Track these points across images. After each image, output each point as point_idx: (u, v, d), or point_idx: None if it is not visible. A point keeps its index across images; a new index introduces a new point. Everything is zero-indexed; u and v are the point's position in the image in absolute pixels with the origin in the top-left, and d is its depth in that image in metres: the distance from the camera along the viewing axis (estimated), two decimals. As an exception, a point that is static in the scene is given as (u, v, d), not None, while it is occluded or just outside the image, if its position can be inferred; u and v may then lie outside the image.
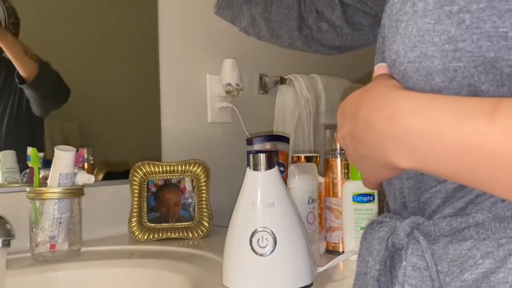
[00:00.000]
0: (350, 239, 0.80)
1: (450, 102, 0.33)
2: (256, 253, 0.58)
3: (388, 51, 0.40)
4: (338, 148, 0.86)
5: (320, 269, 0.66)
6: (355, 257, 0.77)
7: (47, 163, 0.90)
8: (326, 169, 0.88)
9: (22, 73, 0.97)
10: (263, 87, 1.43)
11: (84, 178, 0.88)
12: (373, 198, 0.79)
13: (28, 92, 0.98)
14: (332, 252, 0.85)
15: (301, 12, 0.77)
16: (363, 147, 0.40)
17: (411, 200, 0.43)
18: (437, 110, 0.33)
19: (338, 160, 0.86)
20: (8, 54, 0.95)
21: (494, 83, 0.33)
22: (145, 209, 1.02)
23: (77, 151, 0.88)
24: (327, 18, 0.76)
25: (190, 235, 1.00)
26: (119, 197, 1.06)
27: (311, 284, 0.61)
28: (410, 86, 0.37)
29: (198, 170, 1.04)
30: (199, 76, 1.28)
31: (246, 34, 0.84)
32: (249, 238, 0.59)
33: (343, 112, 0.43)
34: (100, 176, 1.07)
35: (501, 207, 0.36)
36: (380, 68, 0.43)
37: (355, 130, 0.40)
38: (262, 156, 0.61)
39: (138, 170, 1.02)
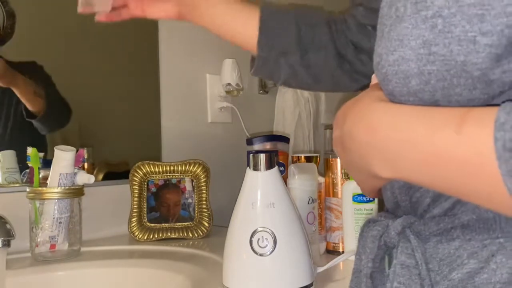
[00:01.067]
0: (350, 239, 0.80)
1: (425, 112, 0.35)
2: (256, 253, 0.58)
3: (375, 54, 0.41)
4: (338, 148, 0.86)
5: (320, 269, 0.66)
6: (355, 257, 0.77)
7: (47, 163, 0.90)
8: (326, 169, 0.88)
9: (30, 109, 0.99)
10: (263, 87, 1.43)
11: (84, 178, 0.88)
12: (373, 198, 0.79)
13: (36, 125, 0.99)
14: (332, 252, 0.85)
15: (338, 49, 0.74)
16: (349, 156, 0.42)
17: (403, 200, 0.44)
18: (413, 122, 0.35)
19: (338, 160, 0.86)
20: (18, 95, 0.97)
21: (466, 87, 0.34)
22: (145, 209, 1.02)
23: (77, 151, 0.88)
24: (365, 48, 0.73)
25: (190, 235, 1.00)
26: (119, 197, 1.06)
27: (311, 284, 0.61)
28: (390, 89, 0.38)
29: (198, 170, 1.04)
30: (199, 76, 1.28)
31: (287, 87, 0.82)
32: (249, 238, 0.59)
33: (336, 122, 0.45)
34: (100, 176, 1.07)
35: (484, 208, 0.36)
36: (375, 77, 0.44)
37: (342, 139, 0.42)
38: (262, 156, 0.61)
39: (138, 170, 1.02)
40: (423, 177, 0.35)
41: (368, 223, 0.47)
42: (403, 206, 0.44)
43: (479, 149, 0.30)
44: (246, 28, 0.76)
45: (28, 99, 0.98)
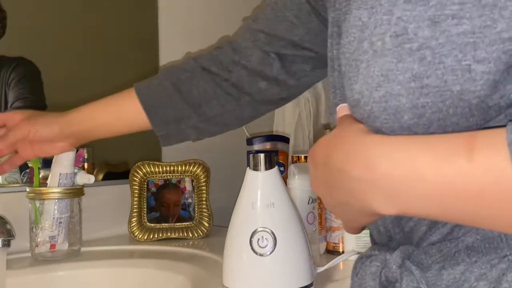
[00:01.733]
0: (350, 239, 0.80)
1: (424, 143, 0.33)
2: (256, 253, 0.58)
3: (350, 90, 0.39)
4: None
5: (320, 269, 0.66)
6: (355, 257, 0.77)
7: (47, 163, 0.90)
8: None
9: None
10: (263, 87, 1.42)
11: (84, 178, 0.88)
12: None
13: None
14: (332, 252, 0.85)
15: (229, 89, 0.72)
16: (340, 195, 0.39)
17: (396, 232, 0.43)
18: (413, 153, 0.33)
19: (338, 160, 0.85)
20: None
21: (463, 115, 0.33)
22: (145, 209, 1.02)
23: (77, 151, 0.88)
24: (267, 76, 0.71)
25: (190, 235, 1.00)
26: (119, 197, 1.06)
27: (311, 284, 0.61)
28: (378, 126, 0.37)
29: (198, 170, 1.04)
30: (199, 76, 1.28)
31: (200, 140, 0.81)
32: (249, 238, 0.59)
33: (314, 160, 0.42)
34: (100, 176, 1.07)
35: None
36: (342, 109, 0.42)
37: (329, 179, 0.39)
38: (262, 156, 0.61)
39: (138, 170, 1.02)
40: (431, 211, 0.33)
41: (361, 259, 0.45)
42: (397, 238, 0.43)
43: (496, 177, 0.29)
44: (131, 116, 0.77)
45: None
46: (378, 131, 0.37)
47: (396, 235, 0.43)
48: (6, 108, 0.96)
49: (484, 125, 0.34)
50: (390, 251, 0.42)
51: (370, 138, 0.36)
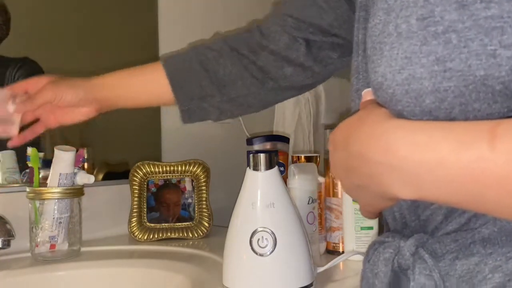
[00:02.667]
0: (350, 239, 0.80)
1: (446, 128, 0.33)
2: (256, 253, 0.58)
3: (374, 73, 0.39)
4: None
5: (320, 269, 0.66)
6: (355, 257, 0.77)
7: (47, 163, 0.90)
8: (326, 169, 0.88)
9: None
10: (263, 87, 1.42)
11: (84, 178, 0.88)
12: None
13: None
14: (332, 252, 0.85)
15: (256, 72, 0.72)
16: (359, 179, 0.39)
17: (412, 220, 0.43)
18: (435, 138, 0.33)
19: (338, 160, 0.85)
20: None
21: (485, 101, 0.33)
22: (145, 209, 1.02)
23: (77, 151, 0.88)
24: (294, 61, 0.71)
25: (190, 235, 1.00)
26: (119, 197, 1.06)
27: (311, 284, 0.61)
28: (399, 109, 0.37)
29: (198, 170, 1.04)
30: (199, 76, 1.28)
31: (222, 121, 0.81)
32: (249, 238, 0.59)
33: (334, 142, 0.42)
34: (100, 176, 1.07)
35: (506, 220, 0.35)
36: (367, 94, 0.42)
37: (348, 162, 0.39)
38: (262, 156, 0.61)
39: (138, 170, 1.02)
40: (450, 196, 0.33)
41: (374, 246, 0.45)
42: (412, 226, 0.43)
43: None
44: (155, 87, 0.76)
45: None
46: (399, 114, 0.37)
47: (412, 222, 0.43)
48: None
49: (508, 114, 0.33)
50: (404, 239, 0.42)
51: (391, 122, 0.36)
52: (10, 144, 0.76)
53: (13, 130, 0.74)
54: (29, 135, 0.78)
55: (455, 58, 0.33)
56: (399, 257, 0.41)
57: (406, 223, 0.44)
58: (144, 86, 0.78)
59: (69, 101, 0.75)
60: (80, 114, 0.78)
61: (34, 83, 0.76)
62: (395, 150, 0.34)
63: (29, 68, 0.99)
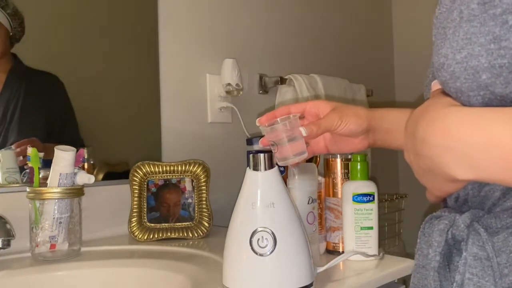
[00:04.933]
0: (350, 239, 0.80)
1: (502, 112, 0.35)
2: (256, 253, 0.58)
3: (437, 55, 0.42)
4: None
5: (320, 269, 0.66)
6: (355, 257, 0.77)
7: (47, 163, 0.90)
8: (326, 169, 0.88)
9: None
10: (263, 87, 1.43)
11: (84, 178, 0.88)
12: (373, 198, 0.79)
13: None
14: (332, 252, 0.85)
15: None
16: (424, 163, 0.41)
17: (474, 195, 0.44)
18: (494, 124, 0.35)
19: (338, 160, 0.86)
20: None
21: None
22: (145, 209, 1.02)
23: (77, 151, 0.88)
24: None
25: (190, 235, 1.00)
26: (119, 197, 1.06)
27: (311, 284, 0.61)
28: (458, 86, 0.39)
29: (198, 170, 1.04)
30: (199, 76, 1.28)
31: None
32: (249, 238, 0.59)
33: (406, 131, 0.45)
34: (100, 176, 1.07)
35: None
36: (435, 85, 0.45)
37: (415, 147, 0.42)
38: (262, 156, 0.61)
39: (138, 170, 1.02)
40: (507, 177, 0.35)
41: (431, 219, 0.47)
42: (472, 201, 0.45)
43: None
44: None
45: None
46: (458, 91, 0.40)
47: (473, 197, 0.45)
48: (11, 121, 0.96)
49: None
50: (460, 213, 0.44)
51: (452, 108, 0.39)
52: (291, 163, 0.67)
53: (305, 152, 0.67)
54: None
55: (510, 37, 0.35)
56: (454, 229, 0.43)
57: (467, 199, 0.45)
58: None
59: (351, 130, 0.67)
60: (354, 144, 0.70)
61: (314, 107, 0.70)
62: (453, 132, 0.37)
63: (49, 81, 1.00)
